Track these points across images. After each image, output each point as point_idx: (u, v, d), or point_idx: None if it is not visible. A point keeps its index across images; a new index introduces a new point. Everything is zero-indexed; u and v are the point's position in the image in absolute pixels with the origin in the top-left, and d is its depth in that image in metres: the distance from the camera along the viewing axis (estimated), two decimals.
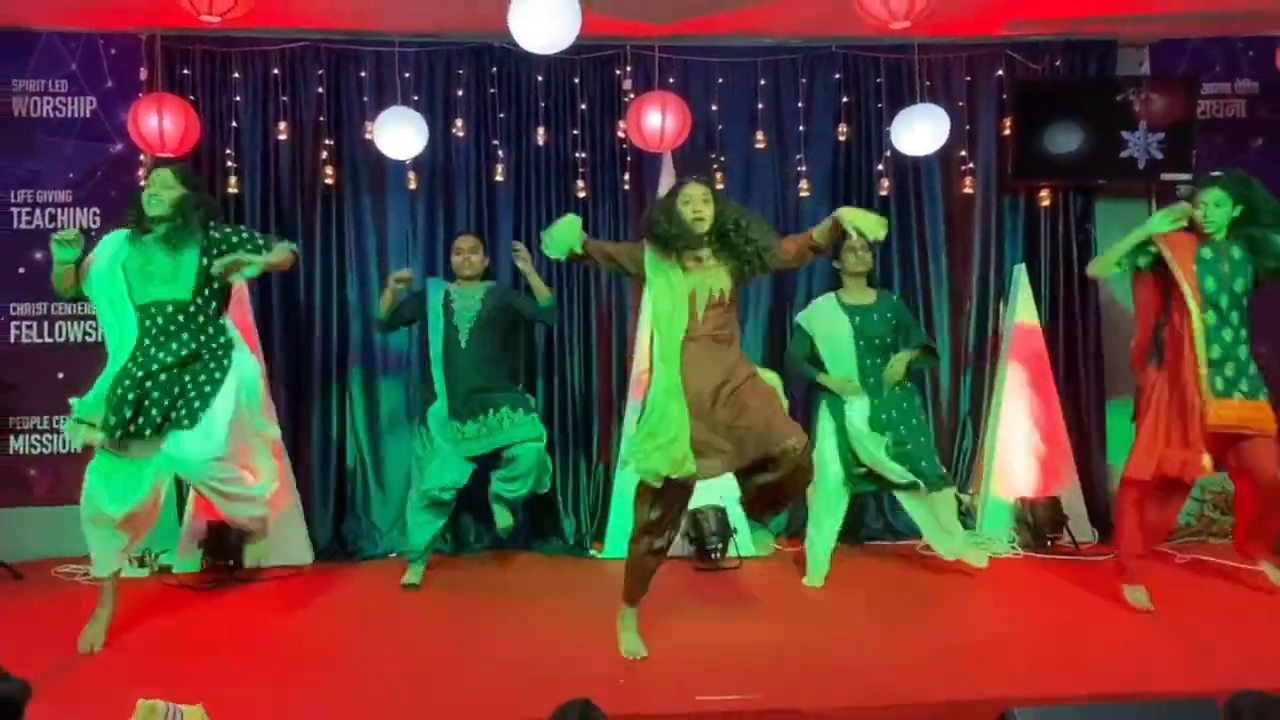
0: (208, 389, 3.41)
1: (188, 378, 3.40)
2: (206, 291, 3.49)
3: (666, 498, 3.17)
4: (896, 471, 4.22)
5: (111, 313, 3.47)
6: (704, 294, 3.21)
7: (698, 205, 3.21)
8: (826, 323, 4.41)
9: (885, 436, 4.24)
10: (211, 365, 3.45)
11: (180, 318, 3.43)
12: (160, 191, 3.43)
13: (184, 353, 3.40)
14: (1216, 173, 3.88)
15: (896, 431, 4.27)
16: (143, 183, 4.75)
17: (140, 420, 3.33)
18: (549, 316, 4.57)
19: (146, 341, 3.41)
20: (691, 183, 3.28)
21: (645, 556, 3.31)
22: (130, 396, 3.31)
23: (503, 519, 4.46)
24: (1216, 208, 3.69)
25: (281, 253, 3.51)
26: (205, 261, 3.45)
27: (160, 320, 3.42)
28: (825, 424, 4.38)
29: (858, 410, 4.28)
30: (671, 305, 3.20)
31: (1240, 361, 3.66)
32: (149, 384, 3.34)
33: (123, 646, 3.50)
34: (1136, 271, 3.83)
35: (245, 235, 3.58)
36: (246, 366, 3.58)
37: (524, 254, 4.33)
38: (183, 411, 3.35)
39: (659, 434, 3.07)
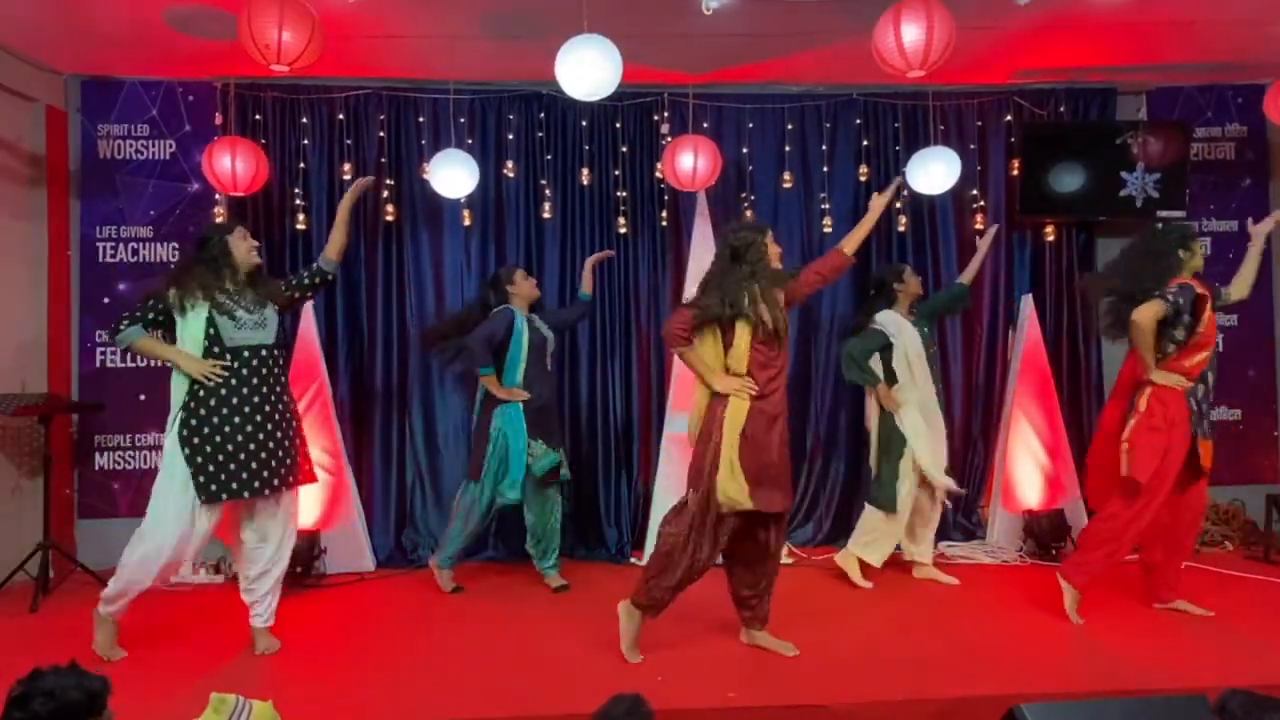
0: (297, 460, 3.76)
1: (285, 441, 3.68)
2: (281, 344, 3.81)
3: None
4: (941, 479, 4.64)
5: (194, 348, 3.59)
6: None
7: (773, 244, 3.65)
8: (899, 331, 4.71)
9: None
10: (290, 418, 3.74)
11: (270, 362, 3.69)
12: (256, 245, 3.79)
13: (271, 396, 3.65)
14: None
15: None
16: (219, 219, 5.16)
17: (259, 481, 3.59)
18: (588, 308, 5.07)
19: (235, 382, 3.59)
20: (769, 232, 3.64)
21: None
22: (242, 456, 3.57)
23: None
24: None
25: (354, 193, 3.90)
26: (282, 316, 3.82)
27: (253, 363, 3.63)
28: (899, 445, 4.65)
29: (913, 419, 4.64)
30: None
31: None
32: (252, 443, 3.58)
33: (198, 646, 3.77)
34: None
35: (292, 281, 3.91)
36: None
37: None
38: (290, 479, 3.72)
39: None
